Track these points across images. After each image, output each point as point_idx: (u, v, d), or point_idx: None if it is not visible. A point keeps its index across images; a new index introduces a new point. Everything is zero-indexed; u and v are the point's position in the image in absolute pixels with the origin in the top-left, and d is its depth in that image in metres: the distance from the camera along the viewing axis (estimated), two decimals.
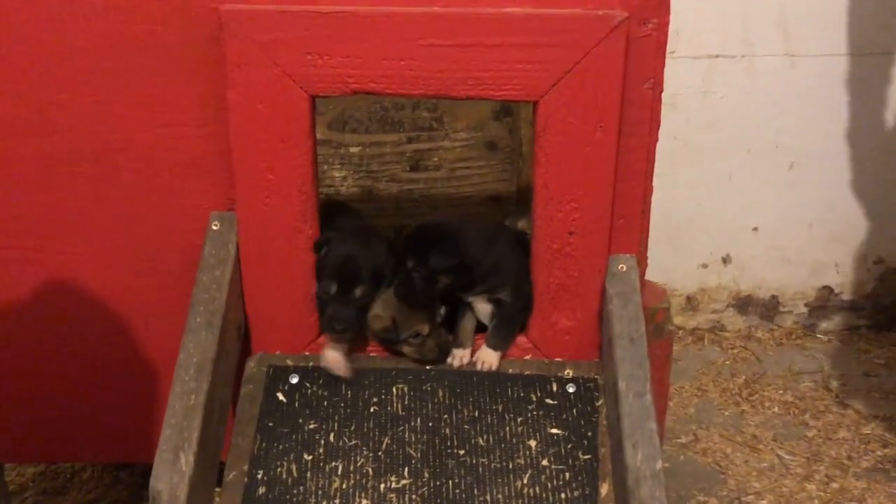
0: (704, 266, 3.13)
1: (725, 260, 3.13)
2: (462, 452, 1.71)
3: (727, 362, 2.99)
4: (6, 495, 2.25)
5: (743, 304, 3.16)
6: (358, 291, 1.80)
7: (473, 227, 1.90)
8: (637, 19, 1.63)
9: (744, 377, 2.90)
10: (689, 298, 3.16)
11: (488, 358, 1.85)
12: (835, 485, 2.42)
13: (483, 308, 1.89)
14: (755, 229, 3.07)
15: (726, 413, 2.73)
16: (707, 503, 2.38)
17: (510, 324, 1.88)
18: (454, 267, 1.80)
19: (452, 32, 1.63)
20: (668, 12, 1.65)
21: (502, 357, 1.86)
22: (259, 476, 1.67)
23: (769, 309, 3.16)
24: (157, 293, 1.86)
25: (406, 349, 1.85)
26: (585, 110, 1.66)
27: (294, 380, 1.81)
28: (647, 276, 1.91)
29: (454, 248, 1.80)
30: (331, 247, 1.82)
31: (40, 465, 2.47)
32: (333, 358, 1.83)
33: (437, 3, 1.63)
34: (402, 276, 1.81)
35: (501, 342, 1.87)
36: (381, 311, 1.83)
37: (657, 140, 1.75)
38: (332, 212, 1.98)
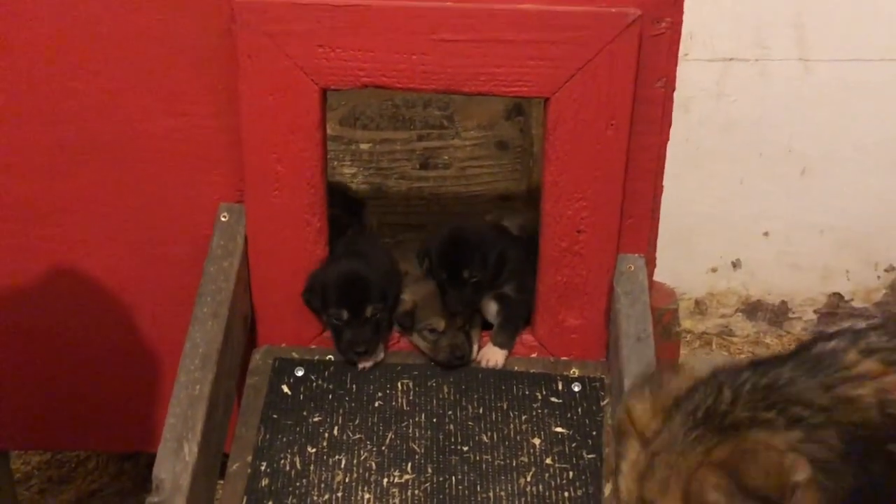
0: (714, 270, 3.11)
1: (735, 264, 3.10)
2: (466, 449, 1.71)
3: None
4: (12, 483, 2.26)
5: (752, 309, 3.14)
6: (369, 311, 1.78)
7: (483, 225, 1.93)
8: (650, 17, 1.63)
9: None
10: (697, 302, 3.14)
11: (493, 356, 1.84)
12: None
13: (490, 306, 1.89)
14: (766, 234, 3.05)
15: None
16: None
17: (515, 320, 1.88)
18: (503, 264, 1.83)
19: (465, 28, 1.63)
20: (681, 11, 1.65)
21: (508, 355, 1.85)
22: (262, 468, 1.67)
23: (778, 315, 3.14)
24: (165, 283, 1.86)
25: (419, 342, 1.85)
26: (597, 108, 1.66)
27: (299, 372, 1.81)
28: (656, 279, 1.91)
29: (497, 246, 1.83)
30: (327, 267, 1.80)
31: (46, 454, 2.48)
32: None
33: None
34: (454, 289, 1.80)
35: (507, 340, 1.87)
36: (407, 296, 1.85)
37: (668, 139, 1.74)
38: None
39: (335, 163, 2.81)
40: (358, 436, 1.72)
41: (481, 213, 2.28)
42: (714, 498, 1.10)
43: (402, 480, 1.66)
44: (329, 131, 2.75)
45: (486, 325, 1.91)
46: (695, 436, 1.18)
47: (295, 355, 1.84)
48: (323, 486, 1.65)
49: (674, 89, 1.70)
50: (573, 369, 1.83)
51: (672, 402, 1.24)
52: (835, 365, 1.21)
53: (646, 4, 1.61)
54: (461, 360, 1.83)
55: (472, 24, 1.62)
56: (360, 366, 1.82)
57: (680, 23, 1.65)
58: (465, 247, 1.81)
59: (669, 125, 1.73)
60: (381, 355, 1.84)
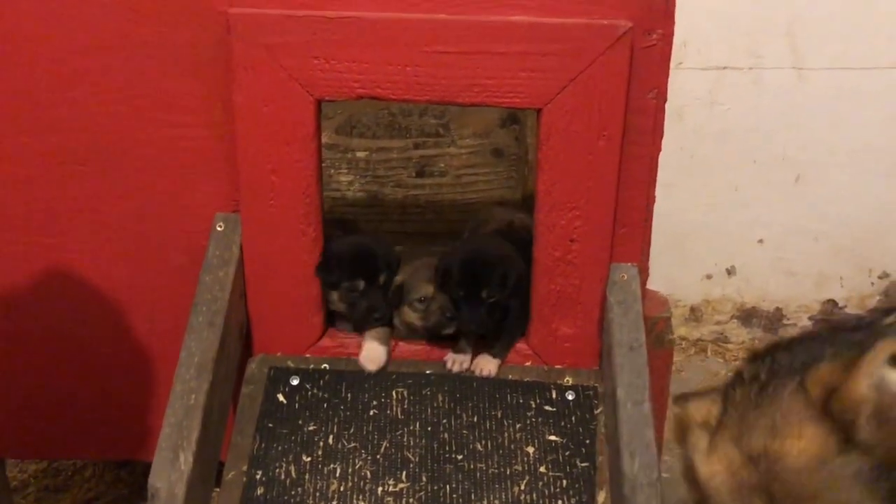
0: (709, 277, 3.13)
1: (730, 271, 3.12)
2: (460, 457, 1.72)
3: (730, 374, 2.98)
4: (8, 492, 2.26)
5: (747, 315, 3.15)
6: (382, 278, 1.88)
7: (503, 244, 1.92)
8: (642, 29, 1.64)
9: None
10: (692, 309, 3.15)
11: (487, 365, 1.85)
12: None
13: None
14: (760, 241, 3.06)
15: None
16: None
17: (513, 331, 1.88)
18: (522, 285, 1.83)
19: (458, 39, 1.64)
20: (672, 23, 1.66)
21: (502, 364, 1.86)
22: (258, 476, 1.68)
23: (773, 321, 3.15)
24: (161, 293, 1.87)
25: (410, 315, 1.87)
26: (589, 119, 1.67)
27: (294, 381, 1.82)
28: (652, 287, 1.92)
29: (516, 267, 1.83)
30: (336, 244, 1.88)
31: (42, 462, 2.48)
32: (376, 351, 1.85)
33: (444, 10, 1.64)
34: (471, 308, 1.79)
35: (502, 350, 1.88)
36: (398, 277, 1.90)
37: (660, 150, 1.76)
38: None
39: (332, 171, 2.83)
40: (353, 444, 1.73)
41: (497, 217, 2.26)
42: (864, 392, 1.11)
43: (397, 489, 1.67)
44: (326, 140, 2.78)
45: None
46: (772, 387, 1.19)
47: (290, 364, 1.85)
48: (318, 494, 1.66)
49: (665, 100, 1.72)
50: (567, 378, 1.84)
51: (723, 389, 1.26)
52: (873, 327, 1.23)
53: (637, 16, 1.62)
54: (452, 322, 1.83)
55: (464, 35, 1.63)
56: (368, 369, 1.85)
57: (671, 34, 1.66)
58: (486, 266, 1.80)
59: (661, 136, 1.74)
60: (385, 359, 1.87)
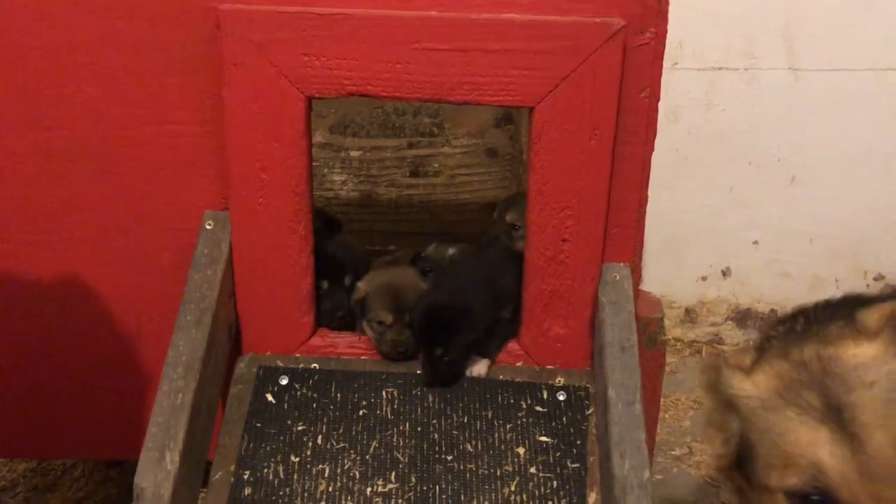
0: (704, 279, 3.12)
1: (725, 273, 3.11)
2: (450, 458, 1.70)
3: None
4: None
5: (742, 317, 3.14)
6: (347, 280, 1.98)
7: (471, 274, 1.90)
8: (635, 28, 1.63)
9: None
10: (687, 311, 3.15)
11: (478, 365, 1.84)
12: None
13: None
14: (755, 243, 3.06)
15: None
16: None
17: (503, 335, 1.87)
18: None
19: (449, 37, 1.63)
20: (666, 21, 1.65)
21: (491, 365, 1.85)
22: (245, 476, 1.66)
23: (768, 323, 3.14)
24: (150, 291, 1.86)
25: (368, 331, 1.88)
26: (581, 117, 1.66)
27: (284, 381, 1.81)
28: (646, 288, 1.91)
29: (475, 319, 1.79)
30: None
31: (31, 461, 2.47)
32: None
33: (435, 7, 1.63)
34: (432, 366, 1.78)
35: (493, 350, 1.86)
36: (362, 284, 1.94)
37: (653, 149, 1.74)
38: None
39: (325, 170, 2.82)
40: (342, 445, 1.72)
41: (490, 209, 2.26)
42: None
43: (386, 489, 1.65)
44: (319, 139, 2.77)
45: None
46: (814, 329, 1.22)
47: (279, 364, 1.84)
48: (306, 495, 1.64)
49: (658, 99, 1.71)
50: (558, 378, 1.83)
51: (757, 345, 1.27)
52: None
53: (630, 15, 1.61)
54: (403, 356, 1.84)
55: (455, 33, 1.62)
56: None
57: (664, 33, 1.65)
58: (440, 326, 1.78)
59: (654, 135, 1.73)
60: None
